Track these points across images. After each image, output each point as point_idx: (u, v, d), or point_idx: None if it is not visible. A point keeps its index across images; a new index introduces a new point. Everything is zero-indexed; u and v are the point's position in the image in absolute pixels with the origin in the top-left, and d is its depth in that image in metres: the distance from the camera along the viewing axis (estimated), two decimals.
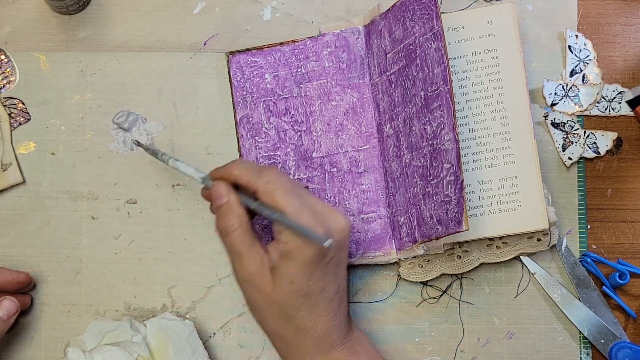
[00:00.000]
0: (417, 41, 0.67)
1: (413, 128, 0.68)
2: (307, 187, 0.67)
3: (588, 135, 0.72)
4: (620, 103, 0.73)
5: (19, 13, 0.74)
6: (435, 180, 0.65)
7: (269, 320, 0.62)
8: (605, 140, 0.72)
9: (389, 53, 0.70)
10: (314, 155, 0.72)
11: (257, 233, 0.63)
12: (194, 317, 0.71)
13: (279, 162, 0.72)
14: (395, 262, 0.71)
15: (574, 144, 0.72)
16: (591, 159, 0.73)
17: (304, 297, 0.60)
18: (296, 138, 0.72)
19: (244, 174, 0.62)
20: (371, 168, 0.71)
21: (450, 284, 0.71)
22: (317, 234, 0.58)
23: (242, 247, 0.61)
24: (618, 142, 0.73)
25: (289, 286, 0.60)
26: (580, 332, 0.70)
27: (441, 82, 0.65)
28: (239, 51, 0.73)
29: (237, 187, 0.63)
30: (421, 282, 0.71)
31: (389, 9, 0.70)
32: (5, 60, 0.73)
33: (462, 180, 0.63)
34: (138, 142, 0.70)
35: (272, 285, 0.60)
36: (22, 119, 0.73)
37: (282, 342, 0.63)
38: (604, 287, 0.70)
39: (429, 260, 0.70)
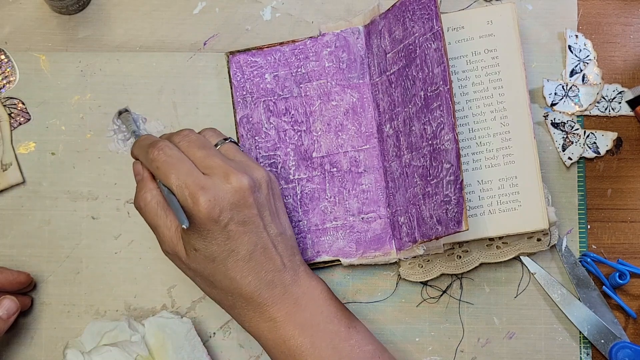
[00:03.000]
0: (417, 41, 0.67)
1: (413, 128, 0.68)
2: (228, 139, 0.65)
3: (588, 135, 0.72)
4: (620, 103, 0.73)
5: (19, 13, 0.74)
6: (435, 180, 0.65)
7: (201, 286, 0.64)
8: (605, 140, 0.72)
9: (388, 53, 0.70)
10: (314, 155, 0.72)
11: None
12: (194, 316, 0.71)
13: (279, 162, 0.72)
14: (395, 262, 0.71)
15: (574, 144, 0.72)
16: (591, 159, 0.73)
17: (213, 262, 0.60)
18: (296, 138, 0.72)
19: (138, 154, 0.64)
20: (371, 168, 0.71)
21: (450, 284, 0.71)
22: (180, 214, 0.59)
23: (156, 220, 0.62)
24: (618, 142, 0.73)
25: (195, 254, 0.61)
26: (580, 332, 0.70)
27: (441, 82, 0.65)
28: (239, 51, 0.73)
29: None
30: (421, 282, 0.71)
31: (388, 9, 0.70)
32: (5, 60, 0.73)
33: (462, 180, 0.63)
34: (120, 111, 0.72)
35: (185, 254, 0.62)
36: (22, 119, 0.73)
37: (221, 304, 0.64)
38: (604, 287, 0.70)
39: (429, 260, 0.70)
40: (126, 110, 0.73)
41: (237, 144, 0.65)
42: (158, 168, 0.61)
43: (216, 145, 0.64)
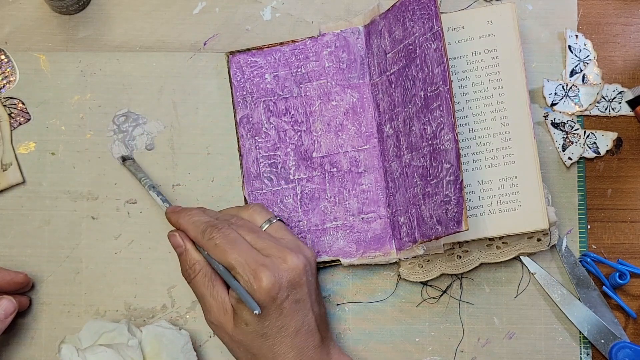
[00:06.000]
0: (416, 41, 0.67)
1: (413, 128, 0.68)
2: (279, 218, 0.67)
3: (588, 135, 0.72)
4: (620, 103, 0.73)
5: (19, 13, 0.74)
6: (435, 180, 0.65)
7: (239, 356, 0.65)
8: (605, 140, 0.72)
9: (388, 53, 0.70)
10: (314, 155, 0.72)
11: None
12: (194, 316, 0.71)
13: (279, 162, 0.72)
14: (395, 262, 0.71)
15: (574, 144, 0.72)
16: (591, 159, 0.73)
17: (262, 337, 0.62)
18: (296, 138, 0.72)
19: (190, 229, 0.65)
20: (371, 168, 0.71)
21: (450, 284, 0.71)
22: (249, 300, 0.61)
23: (204, 291, 0.64)
24: (618, 142, 0.73)
25: (245, 328, 0.62)
26: (580, 332, 0.70)
27: (441, 82, 0.65)
28: (239, 51, 0.73)
29: None
30: (421, 282, 0.71)
31: (388, 9, 0.70)
32: (5, 60, 0.73)
33: (462, 180, 0.63)
34: (124, 158, 0.72)
35: (232, 326, 0.63)
36: (22, 119, 0.73)
37: None
38: (604, 287, 0.70)
39: (429, 260, 0.70)
40: (130, 159, 0.72)
41: (284, 222, 0.68)
42: (217, 245, 0.63)
43: (261, 226, 0.66)
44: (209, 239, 0.63)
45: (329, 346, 0.66)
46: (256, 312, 0.60)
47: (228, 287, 0.64)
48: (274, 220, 0.66)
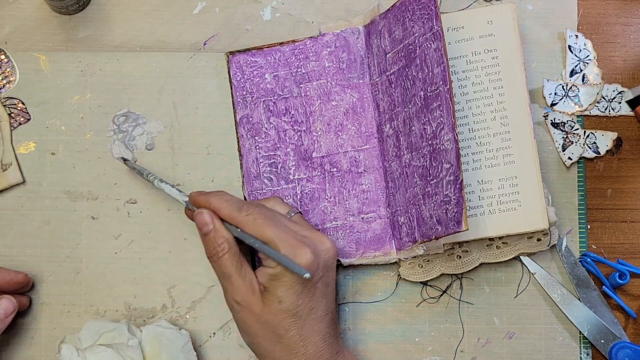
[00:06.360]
0: (416, 41, 0.67)
1: (413, 128, 0.68)
2: (299, 212, 0.68)
3: (588, 135, 0.72)
4: (620, 103, 0.73)
5: (19, 13, 0.74)
6: (434, 180, 0.65)
7: (260, 340, 0.63)
8: (605, 140, 0.72)
9: (388, 53, 0.70)
10: (314, 155, 0.72)
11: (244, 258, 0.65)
12: (194, 316, 0.71)
13: (279, 162, 0.72)
14: (395, 262, 0.71)
15: (574, 144, 0.72)
16: (591, 159, 0.73)
17: (293, 317, 0.62)
18: (296, 138, 0.72)
19: (224, 207, 0.64)
20: (371, 168, 0.71)
21: (450, 284, 0.71)
22: (297, 266, 0.59)
23: (232, 270, 0.63)
24: (618, 142, 0.73)
25: (278, 306, 0.61)
26: (580, 332, 0.70)
27: (441, 82, 0.65)
28: (239, 51, 0.73)
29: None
30: (421, 282, 0.71)
31: (388, 9, 0.70)
32: (5, 60, 0.73)
33: (462, 180, 0.63)
34: (124, 159, 0.71)
35: (261, 306, 0.62)
36: (22, 119, 0.73)
37: (264, 358, 0.64)
38: (604, 287, 0.70)
39: (429, 260, 0.70)
40: (129, 160, 0.72)
41: (302, 215, 0.68)
42: (256, 220, 0.62)
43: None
44: (247, 214, 0.62)
45: (340, 343, 0.66)
46: (306, 275, 0.58)
47: (254, 268, 0.64)
48: (293, 214, 0.66)
